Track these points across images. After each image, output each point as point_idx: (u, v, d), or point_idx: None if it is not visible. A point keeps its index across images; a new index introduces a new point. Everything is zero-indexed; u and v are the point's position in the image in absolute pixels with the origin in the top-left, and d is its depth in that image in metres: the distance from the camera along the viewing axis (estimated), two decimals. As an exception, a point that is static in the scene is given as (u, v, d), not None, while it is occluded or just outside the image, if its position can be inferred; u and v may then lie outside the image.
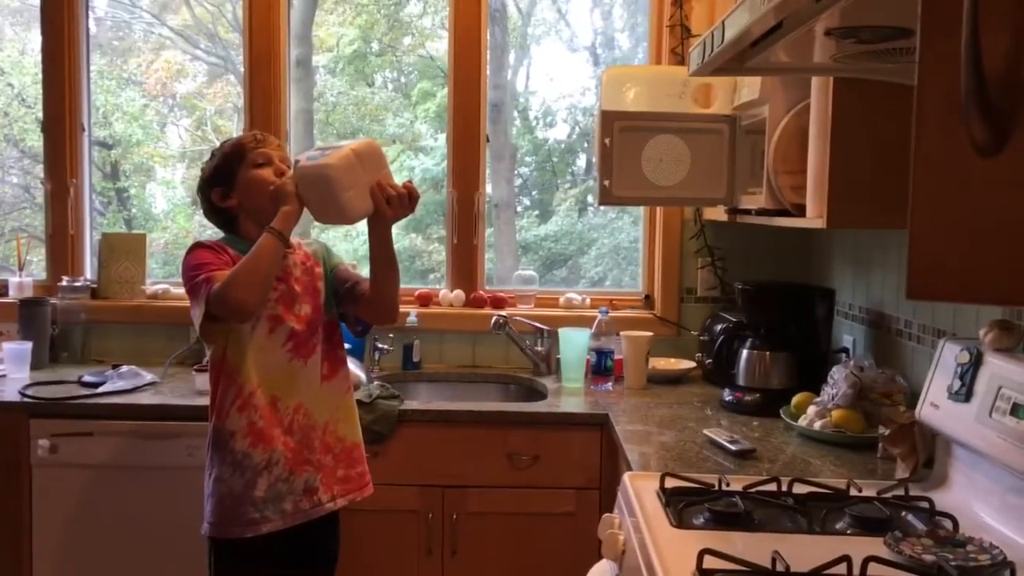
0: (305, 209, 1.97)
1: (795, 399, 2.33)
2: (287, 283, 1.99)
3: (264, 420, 1.93)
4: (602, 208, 3.57)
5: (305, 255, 2.09)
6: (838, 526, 1.55)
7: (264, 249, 1.88)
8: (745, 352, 2.54)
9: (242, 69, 3.18)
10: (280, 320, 1.97)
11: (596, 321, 2.88)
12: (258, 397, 1.94)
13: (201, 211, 2.13)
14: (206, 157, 2.13)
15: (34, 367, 2.87)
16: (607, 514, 1.80)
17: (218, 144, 2.11)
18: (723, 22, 1.42)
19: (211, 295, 1.84)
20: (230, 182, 2.00)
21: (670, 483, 1.70)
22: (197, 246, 1.98)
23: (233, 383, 1.94)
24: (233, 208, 2.02)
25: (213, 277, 1.87)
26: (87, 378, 2.74)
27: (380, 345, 2.98)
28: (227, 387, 1.94)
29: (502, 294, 3.16)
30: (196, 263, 1.92)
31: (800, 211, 2.00)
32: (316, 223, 2.14)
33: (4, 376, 2.80)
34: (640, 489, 1.72)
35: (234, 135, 2.45)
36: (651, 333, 2.85)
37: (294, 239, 2.04)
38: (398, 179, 2.07)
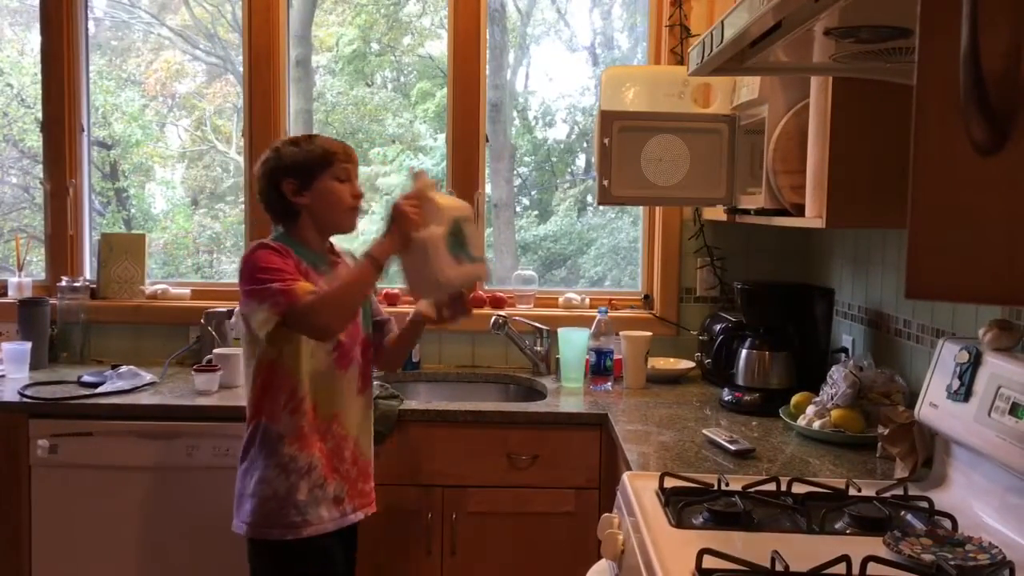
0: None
1: (794, 399, 2.33)
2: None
3: (308, 425, 1.97)
4: (601, 208, 3.58)
5: (344, 265, 2.12)
6: (837, 526, 1.55)
7: (361, 278, 1.94)
8: (744, 352, 2.54)
9: (241, 69, 3.18)
10: None
11: (595, 321, 2.88)
12: (306, 402, 1.97)
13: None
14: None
15: (33, 367, 2.87)
16: (606, 514, 1.80)
17: (288, 137, 2.13)
18: (722, 22, 1.42)
19: (296, 311, 1.86)
20: (308, 182, 2.00)
21: (669, 483, 1.71)
22: (262, 247, 1.96)
23: (286, 385, 1.96)
24: (300, 205, 2.02)
25: (293, 290, 1.86)
26: (86, 378, 2.74)
27: (380, 345, 2.98)
28: (279, 389, 1.96)
29: (501, 294, 3.16)
30: (266, 266, 1.91)
31: (799, 211, 2.00)
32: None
33: (3, 376, 2.80)
34: (639, 489, 1.72)
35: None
36: (650, 333, 2.85)
37: (340, 248, 2.13)
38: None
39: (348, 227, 2.07)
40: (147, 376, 2.76)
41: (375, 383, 2.67)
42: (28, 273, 3.24)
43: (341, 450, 2.03)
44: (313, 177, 2.00)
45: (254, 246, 1.98)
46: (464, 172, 3.14)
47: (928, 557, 1.34)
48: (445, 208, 1.99)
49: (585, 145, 3.75)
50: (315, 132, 2.60)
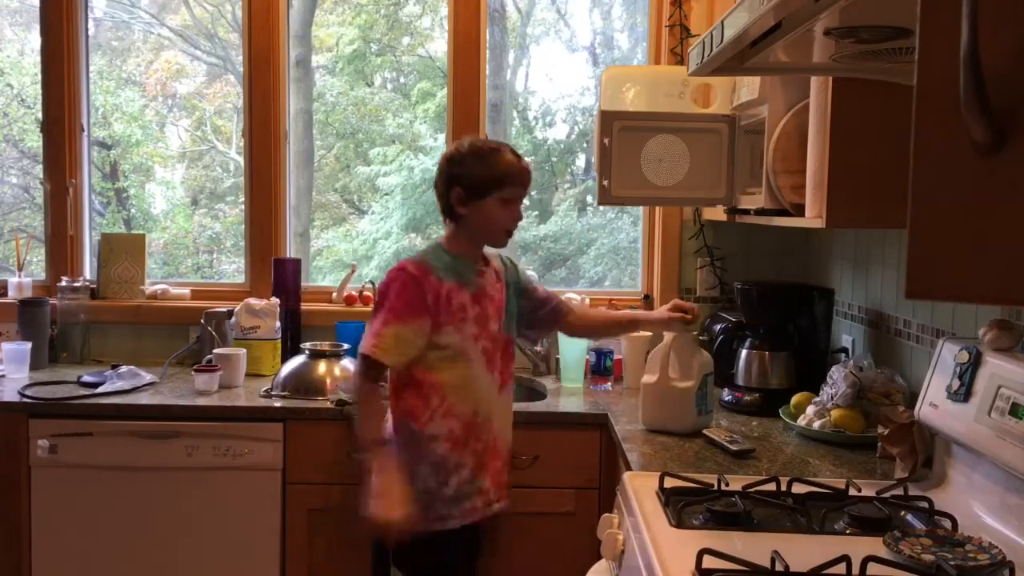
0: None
1: (794, 399, 2.33)
2: (481, 305, 2.08)
3: (463, 428, 2.05)
4: (601, 208, 3.57)
5: (496, 273, 2.18)
6: (837, 526, 1.56)
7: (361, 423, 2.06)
8: (744, 352, 2.54)
9: (241, 69, 3.18)
10: (477, 337, 2.07)
11: (595, 321, 2.87)
12: (461, 406, 2.05)
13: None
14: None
15: (33, 367, 2.87)
16: (606, 514, 1.80)
17: (478, 141, 2.14)
18: (722, 22, 1.42)
19: (366, 363, 2.00)
20: (474, 196, 2.04)
21: (669, 483, 1.71)
22: (401, 271, 2.03)
23: (436, 392, 2.04)
24: (459, 214, 2.07)
25: (379, 349, 1.97)
26: (86, 378, 2.74)
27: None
28: (428, 395, 2.04)
29: (501, 294, 3.16)
30: (391, 293, 2.01)
31: (799, 211, 2.00)
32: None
33: (3, 376, 2.80)
34: (639, 489, 1.72)
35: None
36: (650, 333, 2.85)
37: (487, 250, 2.18)
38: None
39: (498, 245, 2.15)
40: (147, 376, 2.76)
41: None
42: (28, 273, 3.24)
43: (489, 447, 2.11)
44: (481, 195, 2.04)
45: (396, 269, 2.05)
46: (464, 172, 3.14)
47: (928, 557, 1.34)
48: (698, 362, 2.24)
49: (585, 145, 3.75)
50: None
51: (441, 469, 2.05)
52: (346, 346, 2.79)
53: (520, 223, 2.12)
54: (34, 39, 3.26)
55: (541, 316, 2.28)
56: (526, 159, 2.12)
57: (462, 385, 2.06)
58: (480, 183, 2.04)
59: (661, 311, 2.30)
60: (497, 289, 2.15)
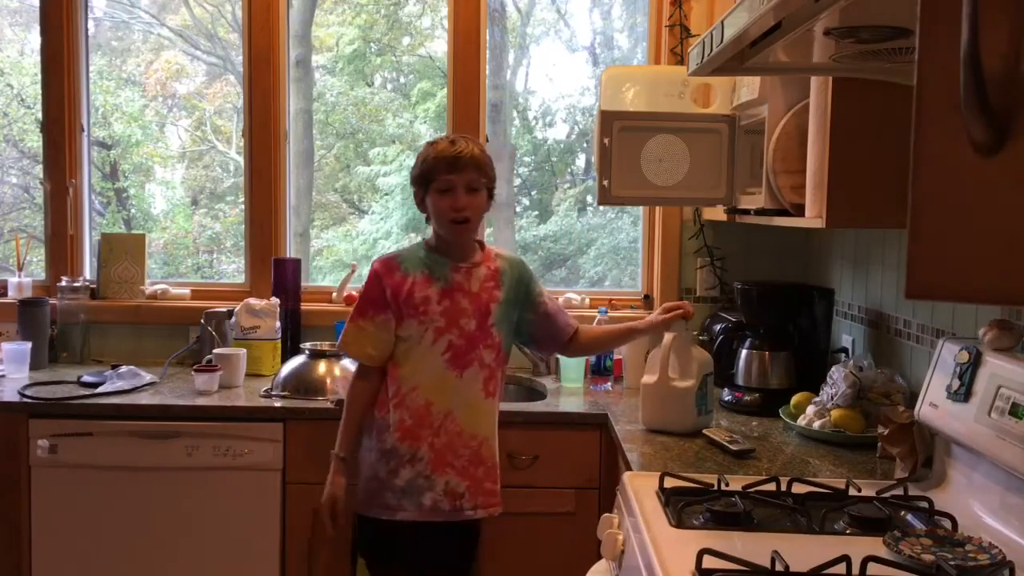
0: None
1: (794, 399, 2.33)
2: (452, 300, 2.10)
3: (414, 419, 2.08)
4: (601, 208, 3.57)
5: (492, 273, 2.17)
6: (837, 526, 1.56)
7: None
8: (744, 352, 2.54)
9: (241, 69, 3.18)
10: (443, 331, 2.09)
11: (596, 321, 2.88)
12: (413, 398, 2.09)
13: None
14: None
15: (33, 367, 2.87)
16: (606, 514, 1.80)
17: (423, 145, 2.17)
18: (722, 22, 1.42)
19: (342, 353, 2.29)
20: (422, 193, 2.11)
21: (669, 483, 1.71)
22: (373, 269, 2.14)
23: (395, 381, 2.10)
24: (423, 212, 2.15)
25: (360, 326, 2.11)
26: (86, 378, 2.74)
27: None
28: (388, 385, 2.11)
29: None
30: (359, 295, 2.16)
31: (799, 211, 2.00)
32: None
33: (3, 376, 2.80)
34: (639, 489, 1.72)
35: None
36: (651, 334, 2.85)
37: (490, 247, 2.22)
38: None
39: (453, 240, 2.13)
40: (147, 376, 2.76)
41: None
42: (28, 273, 3.24)
43: (456, 447, 2.10)
44: (425, 190, 2.10)
45: (376, 261, 2.16)
46: (464, 172, 3.14)
47: (928, 557, 1.34)
48: (698, 362, 2.24)
49: (585, 145, 3.75)
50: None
51: (392, 457, 2.08)
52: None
53: (464, 211, 2.07)
54: (34, 39, 3.26)
55: (540, 334, 2.27)
56: (467, 143, 2.10)
57: (415, 376, 2.09)
58: (419, 179, 2.11)
59: (654, 316, 2.29)
60: (486, 288, 2.14)
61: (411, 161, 2.15)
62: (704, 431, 2.21)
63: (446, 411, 2.09)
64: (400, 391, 2.10)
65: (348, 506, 2.15)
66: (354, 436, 2.15)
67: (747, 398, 2.49)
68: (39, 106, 3.19)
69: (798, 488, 1.68)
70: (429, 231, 2.20)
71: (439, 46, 3.56)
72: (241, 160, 3.30)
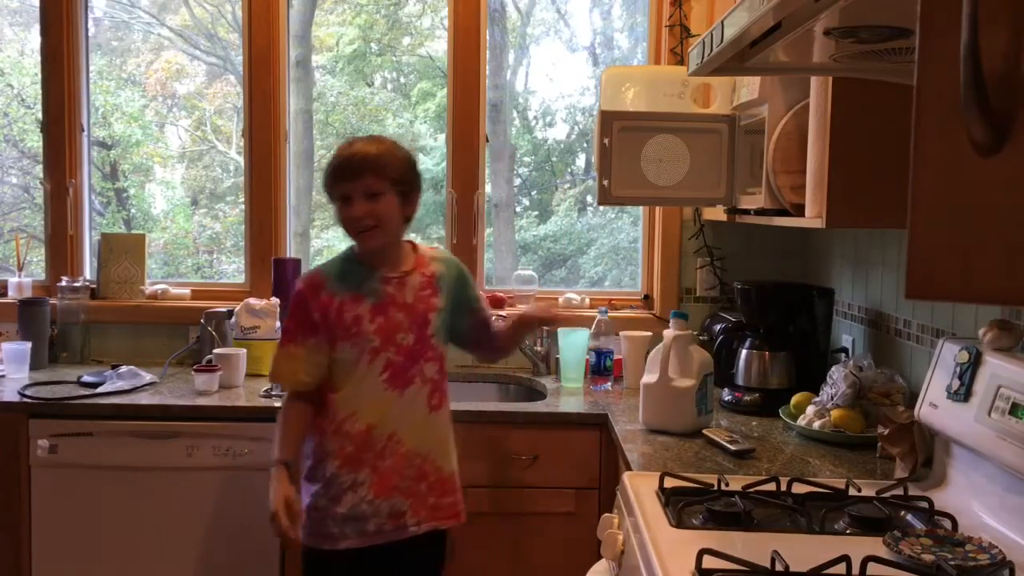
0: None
1: (794, 399, 2.33)
2: (386, 315, 1.96)
3: (354, 446, 1.95)
4: (601, 208, 3.57)
5: (428, 279, 2.04)
6: (837, 526, 1.56)
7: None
8: (744, 352, 2.54)
9: (241, 69, 3.18)
10: (378, 351, 1.96)
11: (595, 321, 2.88)
12: (353, 423, 1.96)
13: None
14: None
15: (33, 367, 2.87)
16: (606, 514, 1.80)
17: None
18: (722, 22, 1.42)
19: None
20: (330, 200, 2.00)
21: (669, 483, 1.71)
22: (297, 290, 2.02)
23: (333, 407, 1.97)
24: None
25: (290, 352, 1.99)
26: (86, 378, 2.74)
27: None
28: (326, 412, 1.98)
29: (501, 294, 3.16)
30: (287, 321, 2.03)
31: (799, 211, 2.00)
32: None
33: (3, 376, 2.80)
34: (639, 489, 1.72)
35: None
36: (650, 333, 2.85)
37: (424, 249, 2.09)
38: None
39: (363, 250, 2.00)
40: (147, 376, 2.76)
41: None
42: (28, 273, 3.24)
43: (401, 468, 1.98)
44: (329, 197, 1.99)
45: (300, 280, 2.06)
46: (464, 172, 3.14)
47: (928, 557, 1.34)
48: (698, 362, 2.23)
49: (585, 145, 3.75)
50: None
51: (332, 487, 1.96)
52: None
53: (363, 219, 1.91)
54: (34, 39, 3.26)
55: (475, 337, 2.17)
56: (367, 144, 1.95)
57: (353, 401, 1.96)
58: (325, 188, 1.98)
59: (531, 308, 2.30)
60: (422, 297, 2.00)
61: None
62: (704, 431, 2.21)
63: (389, 433, 1.97)
64: (338, 418, 1.96)
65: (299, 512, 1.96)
66: (295, 440, 1.98)
67: (747, 398, 2.49)
68: (39, 106, 3.19)
69: (798, 488, 1.68)
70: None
71: (439, 46, 3.56)
72: (241, 160, 3.30)
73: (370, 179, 1.90)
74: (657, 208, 3.10)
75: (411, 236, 2.14)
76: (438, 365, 2.04)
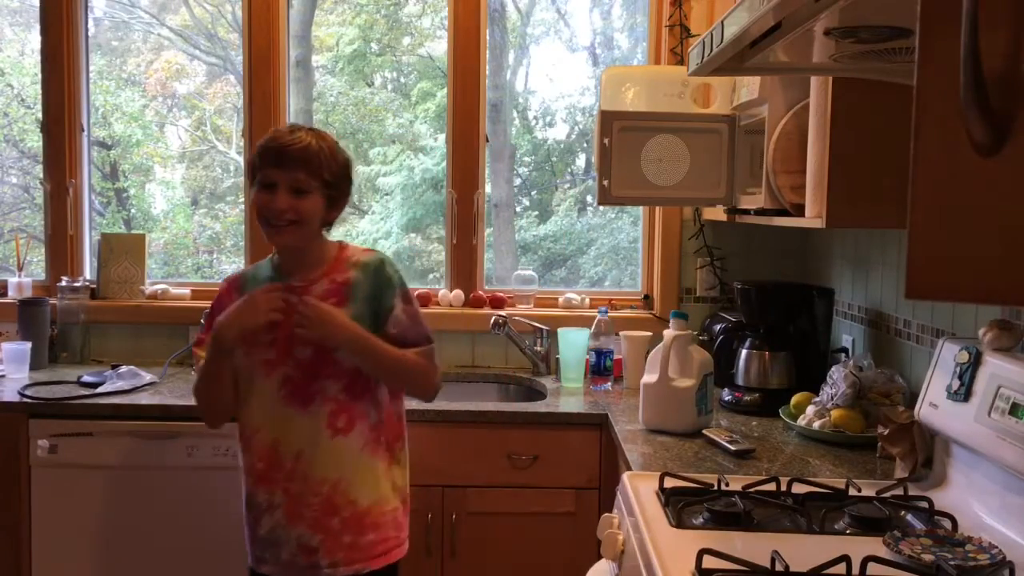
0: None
1: (794, 399, 2.33)
2: (282, 325, 1.80)
3: (264, 463, 1.85)
4: (601, 208, 3.57)
5: (336, 287, 1.86)
6: (837, 526, 1.56)
7: (199, 381, 1.90)
8: (744, 352, 2.54)
9: (241, 69, 3.18)
10: (274, 365, 1.84)
11: (595, 321, 2.88)
12: (260, 439, 1.86)
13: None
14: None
15: (33, 367, 2.87)
16: (606, 514, 1.80)
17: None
18: (722, 22, 1.42)
19: None
20: (252, 183, 1.85)
21: (669, 483, 1.71)
22: (219, 290, 1.97)
23: (241, 421, 1.91)
24: None
25: (197, 355, 1.93)
26: (86, 378, 2.74)
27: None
28: (238, 424, 1.92)
29: (501, 294, 3.16)
30: (205, 315, 1.96)
31: (799, 211, 2.00)
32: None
33: (3, 376, 2.80)
34: (639, 489, 1.72)
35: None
36: (650, 333, 2.85)
37: (353, 251, 1.91)
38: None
39: (273, 243, 1.87)
40: (147, 376, 2.76)
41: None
42: (28, 273, 3.24)
43: (306, 496, 1.82)
44: (252, 179, 1.84)
45: (224, 280, 1.98)
46: (464, 172, 3.14)
47: (928, 557, 1.34)
48: (698, 362, 2.23)
49: (585, 145, 3.75)
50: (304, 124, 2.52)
51: (251, 506, 1.87)
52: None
53: (284, 214, 1.77)
54: (34, 39, 3.26)
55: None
56: (309, 135, 1.80)
57: (257, 415, 1.86)
58: (249, 170, 1.84)
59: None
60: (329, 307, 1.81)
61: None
62: (704, 431, 2.21)
63: (296, 452, 1.82)
64: (246, 432, 1.87)
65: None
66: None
67: (747, 398, 2.49)
68: (39, 106, 3.19)
69: (798, 488, 1.68)
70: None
71: (439, 46, 3.55)
72: (241, 160, 3.30)
73: (302, 174, 1.78)
74: (657, 208, 3.10)
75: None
76: (343, 383, 1.84)
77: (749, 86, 2.25)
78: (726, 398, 2.54)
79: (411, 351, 1.88)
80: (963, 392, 1.63)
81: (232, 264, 3.61)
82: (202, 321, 2.05)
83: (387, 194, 3.70)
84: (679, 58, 2.95)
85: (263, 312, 1.78)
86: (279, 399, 1.83)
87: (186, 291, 3.20)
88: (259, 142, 1.83)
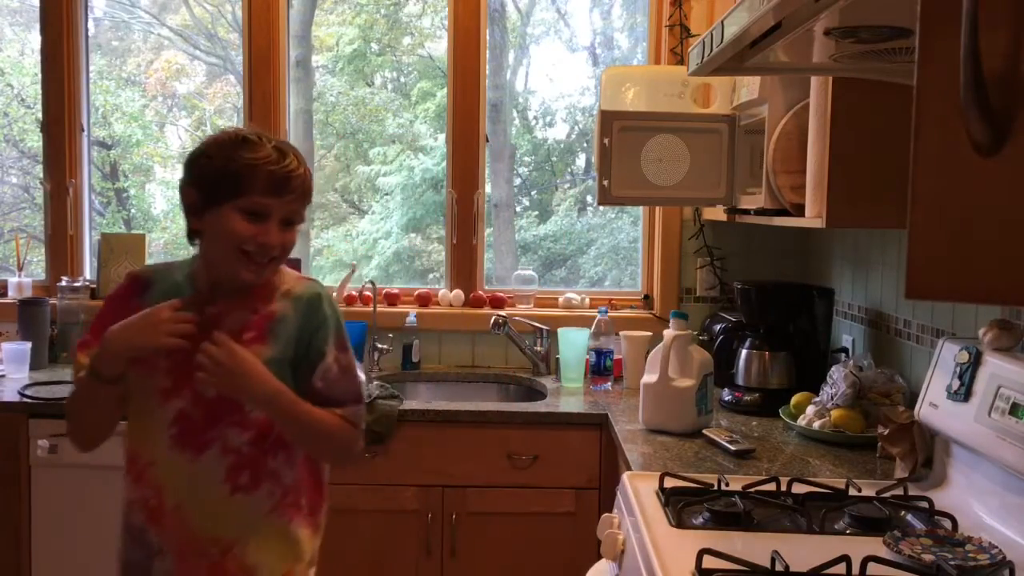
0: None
1: (794, 399, 2.33)
2: (187, 351, 1.47)
3: (157, 500, 1.55)
4: (601, 208, 3.57)
5: (260, 319, 1.54)
6: (837, 526, 1.56)
7: (75, 395, 1.59)
8: (744, 352, 2.54)
9: (241, 69, 3.18)
10: (169, 395, 1.53)
11: (595, 321, 2.88)
12: (152, 475, 1.56)
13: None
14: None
15: (33, 367, 2.87)
16: (606, 514, 1.80)
17: (236, 130, 1.56)
18: (722, 22, 1.42)
19: None
20: (209, 201, 1.50)
21: (669, 483, 1.71)
22: (120, 283, 1.63)
23: (130, 446, 1.60)
24: (195, 229, 1.56)
25: (78, 362, 1.58)
26: (86, 378, 2.73)
27: (380, 345, 2.98)
28: (127, 447, 1.61)
29: (501, 294, 3.16)
30: (96, 315, 1.61)
31: (799, 211, 2.00)
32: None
33: (3, 376, 2.80)
34: (639, 489, 1.72)
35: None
36: (650, 333, 2.85)
37: (288, 278, 1.60)
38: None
39: (234, 275, 1.52)
40: (147, 376, 2.75)
41: (375, 383, 2.67)
42: (28, 273, 3.24)
43: (186, 556, 1.52)
44: (217, 199, 1.49)
45: (127, 273, 1.66)
46: (464, 172, 3.14)
47: (928, 557, 1.34)
48: (698, 362, 2.23)
49: (585, 145, 3.75)
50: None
51: (141, 544, 1.55)
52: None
53: (272, 250, 1.50)
54: (34, 39, 3.26)
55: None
56: (295, 159, 1.52)
57: (148, 448, 1.56)
58: (216, 181, 1.49)
59: None
60: (243, 343, 1.50)
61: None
62: (704, 431, 2.21)
63: (175, 503, 1.52)
64: (139, 462, 1.58)
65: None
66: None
67: (747, 398, 2.49)
68: (39, 106, 3.19)
69: (798, 488, 1.68)
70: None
71: (439, 46, 3.55)
72: (241, 160, 3.29)
73: (297, 204, 1.52)
74: (657, 208, 3.10)
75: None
76: (251, 435, 1.52)
77: (749, 86, 2.25)
78: (726, 398, 2.54)
79: (334, 412, 1.54)
80: (963, 392, 1.63)
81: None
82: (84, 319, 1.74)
83: (387, 194, 3.70)
84: (679, 58, 2.95)
85: (163, 334, 1.46)
86: (167, 438, 1.53)
87: (186, 291, 3.20)
88: (235, 157, 1.48)
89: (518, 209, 3.77)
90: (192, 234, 1.57)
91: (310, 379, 1.54)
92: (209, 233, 1.52)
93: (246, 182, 1.47)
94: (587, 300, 3.16)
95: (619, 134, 2.43)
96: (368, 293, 3.12)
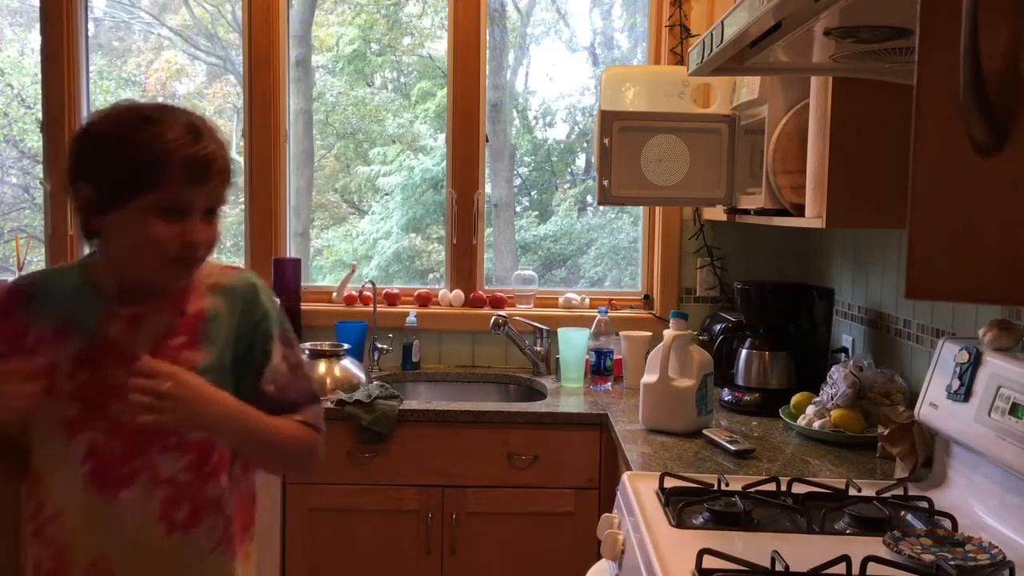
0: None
1: (794, 399, 2.33)
2: (96, 369, 1.27)
3: (55, 562, 1.35)
4: (601, 208, 3.57)
5: (184, 322, 1.30)
6: (837, 526, 1.56)
7: None
8: (744, 352, 2.54)
9: (241, 69, 3.18)
10: (77, 427, 1.27)
11: (595, 321, 2.88)
12: (56, 529, 1.32)
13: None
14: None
15: (33, 367, 2.86)
16: (606, 514, 1.80)
17: (131, 104, 1.28)
18: (722, 22, 1.42)
19: None
20: (113, 199, 1.22)
21: (669, 483, 1.71)
22: (6, 289, 1.36)
23: (34, 496, 1.33)
24: (92, 227, 1.28)
25: None
26: (86, 378, 2.73)
27: (380, 345, 2.98)
28: (27, 497, 1.35)
29: (501, 294, 3.16)
30: None
31: (799, 211, 2.00)
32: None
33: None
34: (639, 489, 1.72)
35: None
36: (650, 333, 2.85)
37: (213, 268, 1.36)
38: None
39: (161, 281, 1.29)
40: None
41: (375, 383, 2.67)
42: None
43: None
44: (122, 196, 1.21)
45: (5, 286, 1.37)
46: (464, 172, 3.14)
47: (928, 557, 1.34)
48: (698, 362, 2.23)
49: (585, 145, 3.75)
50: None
51: None
52: (346, 346, 2.79)
53: (199, 248, 1.26)
54: (34, 39, 3.26)
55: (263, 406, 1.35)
56: (212, 136, 1.26)
57: (57, 496, 1.31)
58: (120, 174, 1.21)
59: None
60: (169, 349, 1.27)
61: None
62: (704, 431, 2.21)
63: (93, 558, 1.28)
64: (41, 514, 1.33)
65: None
66: None
67: (747, 398, 2.49)
68: (39, 106, 3.19)
69: (798, 488, 1.68)
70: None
71: (439, 46, 3.56)
72: (241, 160, 3.30)
73: (221, 189, 1.28)
74: (657, 208, 3.10)
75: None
76: (189, 459, 1.28)
77: (749, 86, 2.25)
78: (726, 398, 2.54)
79: (292, 418, 1.35)
80: (963, 392, 1.63)
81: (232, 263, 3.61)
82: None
83: (387, 194, 3.70)
84: (679, 58, 2.95)
85: (15, 399, 1.20)
86: (79, 478, 1.27)
87: (186, 291, 3.20)
88: (146, 140, 1.20)
89: (518, 209, 3.77)
90: (89, 233, 1.29)
91: (257, 384, 1.32)
92: (116, 236, 1.25)
93: (159, 173, 1.20)
94: (587, 300, 3.16)
95: (619, 134, 2.43)
96: (368, 293, 3.12)
